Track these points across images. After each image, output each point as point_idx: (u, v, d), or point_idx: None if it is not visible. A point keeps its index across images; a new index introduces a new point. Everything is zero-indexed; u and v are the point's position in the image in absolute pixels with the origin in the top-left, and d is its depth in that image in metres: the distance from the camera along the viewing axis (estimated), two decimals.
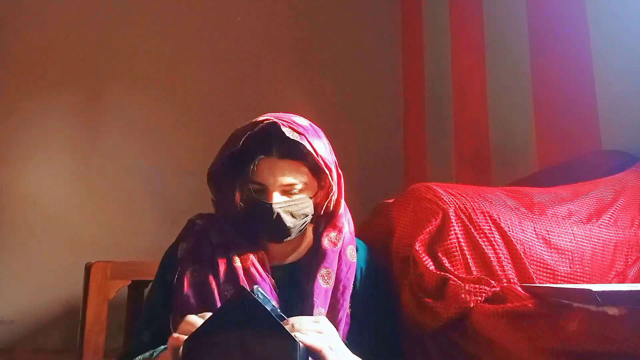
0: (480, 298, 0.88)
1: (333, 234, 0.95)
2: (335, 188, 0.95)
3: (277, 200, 0.90)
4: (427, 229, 0.99)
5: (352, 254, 0.96)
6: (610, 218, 1.10)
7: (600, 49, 1.58)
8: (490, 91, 2.16)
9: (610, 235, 1.07)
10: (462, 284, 0.89)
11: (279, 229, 0.91)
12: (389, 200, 1.19)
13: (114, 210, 2.46)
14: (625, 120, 1.48)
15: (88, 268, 1.74)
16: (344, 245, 0.96)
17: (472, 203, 1.03)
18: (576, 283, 0.98)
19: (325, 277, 0.92)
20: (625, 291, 0.75)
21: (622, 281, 1.03)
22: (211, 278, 0.90)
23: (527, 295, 0.85)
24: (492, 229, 1.00)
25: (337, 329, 0.86)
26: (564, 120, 1.72)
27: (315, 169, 0.93)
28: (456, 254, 0.97)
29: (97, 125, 2.55)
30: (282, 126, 0.88)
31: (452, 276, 0.92)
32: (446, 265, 0.95)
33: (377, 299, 0.97)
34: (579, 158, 1.55)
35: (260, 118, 0.91)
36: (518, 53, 1.95)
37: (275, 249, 0.97)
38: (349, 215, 1.00)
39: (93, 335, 1.67)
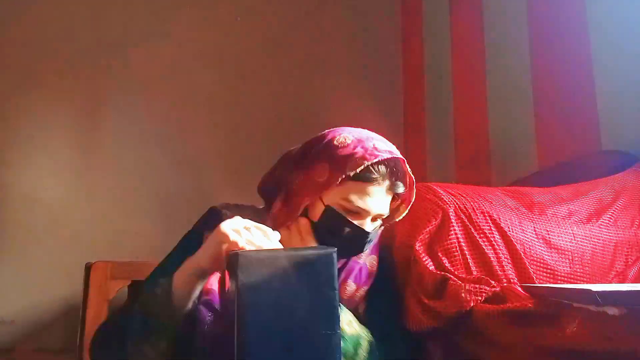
0: (480, 298, 0.88)
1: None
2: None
3: (370, 228, 0.92)
4: (427, 229, 0.99)
5: (373, 264, 1.00)
6: (610, 218, 1.10)
7: (600, 49, 1.58)
8: (490, 91, 2.16)
9: (610, 235, 1.07)
10: (462, 284, 0.89)
11: (357, 251, 0.94)
12: None
13: (114, 210, 2.46)
14: (625, 120, 1.48)
15: (88, 268, 1.74)
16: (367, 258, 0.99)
17: (472, 203, 1.03)
18: (576, 283, 0.99)
19: (348, 287, 0.95)
20: (625, 291, 0.75)
21: (622, 281, 1.03)
22: None
23: (527, 295, 0.85)
24: (492, 229, 1.00)
25: None
26: (564, 120, 1.72)
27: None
28: (456, 254, 0.97)
29: (97, 125, 2.54)
30: (407, 166, 0.94)
31: (452, 276, 0.92)
32: (446, 265, 0.95)
33: (384, 296, 0.99)
34: (579, 158, 1.55)
35: (383, 147, 0.94)
36: (518, 53, 1.95)
37: None
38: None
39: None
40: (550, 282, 0.97)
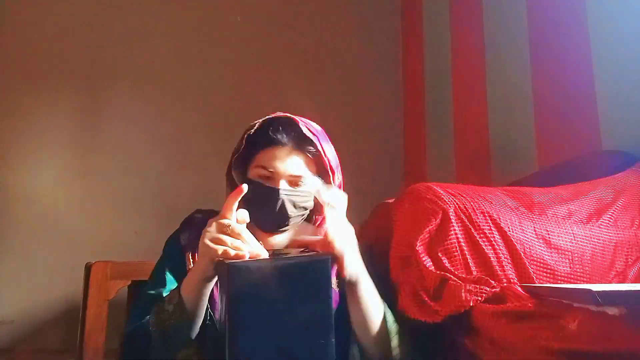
0: (480, 298, 0.88)
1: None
2: (337, 185, 1.00)
3: (284, 187, 0.95)
4: (427, 229, 0.99)
5: None
6: (610, 218, 1.10)
7: (600, 49, 1.58)
8: (490, 91, 2.16)
9: (610, 236, 1.07)
10: (462, 284, 0.89)
11: (280, 216, 0.95)
12: (389, 200, 1.19)
13: (114, 210, 2.46)
14: (625, 120, 1.48)
15: (88, 268, 1.74)
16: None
17: (472, 203, 1.03)
18: (576, 283, 0.98)
19: None
20: (625, 291, 0.75)
21: (622, 281, 1.03)
22: None
23: (527, 295, 0.85)
24: (492, 229, 1.00)
25: None
26: (564, 120, 1.72)
27: (321, 170, 0.99)
28: (456, 253, 0.97)
29: (97, 125, 2.55)
30: (300, 123, 0.96)
31: (451, 276, 0.92)
32: (446, 265, 0.95)
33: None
34: (579, 158, 1.55)
35: (279, 114, 0.98)
36: (518, 53, 1.95)
37: (271, 241, 1.00)
38: None
39: (93, 335, 1.67)
40: (550, 282, 0.97)
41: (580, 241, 1.03)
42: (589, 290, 0.71)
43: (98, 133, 2.54)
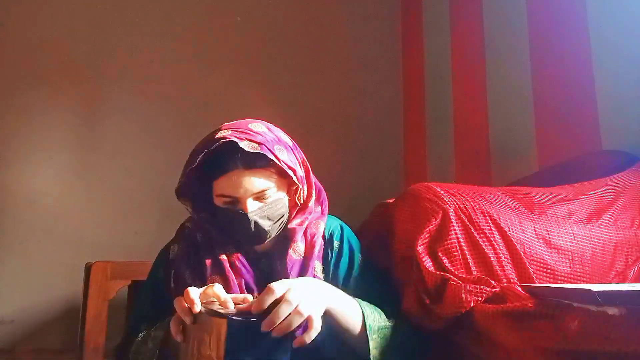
0: (480, 298, 0.88)
1: (299, 219, 1.01)
2: (303, 186, 0.98)
3: (252, 208, 0.93)
4: (427, 229, 0.99)
5: (316, 225, 1.01)
6: (610, 218, 1.10)
7: (601, 49, 1.58)
8: (490, 91, 2.16)
9: (610, 235, 1.07)
10: (462, 284, 0.89)
11: (258, 235, 0.95)
12: (389, 200, 1.19)
13: (114, 210, 2.46)
14: (625, 120, 1.48)
15: (88, 268, 1.74)
16: (310, 222, 1.02)
17: (472, 203, 1.03)
18: (576, 283, 0.98)
19: (295, 250, 0.98)
20: (625, 291, 0.75)
21: (622, 281, 1.03)
22: (200, 274, 0.96)
23: (527, 295, 0.85)
24: (492, 229, 1.00)
25: None
26: (564, 120, 1.72)
27: (282, 170, 0.96)
28: (456, 254, 0.97)
29: (97, 125, 2.55)
30: (239, 142, 0.89)
31: (452, 276, 0.92)
32: (446, 265, 0.95)
33: (353, 269, 1.01)
34: (579, 158, 1.55)
35: (218, 135, 0.93)
36: (518, 53, 1.96)
37: (258, 248, 1.02)
38: (323, 197, 1.06)
39: (93, 335, 1.67)
40: (550, 282, 0.97)
41: (580, 241, 1.03)
42: (589, 290, 0.71)
43: (98, 133, 2.54)
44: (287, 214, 1.00)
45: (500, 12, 2.13)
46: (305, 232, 1.00)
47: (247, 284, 0.95)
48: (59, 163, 2.47)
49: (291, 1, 2.87)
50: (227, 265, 0.96)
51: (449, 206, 1.01)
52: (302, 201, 1.00)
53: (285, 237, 1.00)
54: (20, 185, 2.41)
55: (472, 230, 0.99)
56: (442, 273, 0.93)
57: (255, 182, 0.93)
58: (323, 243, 1.01)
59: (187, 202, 1.02)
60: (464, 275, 0.94)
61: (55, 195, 2.43)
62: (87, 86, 2.55)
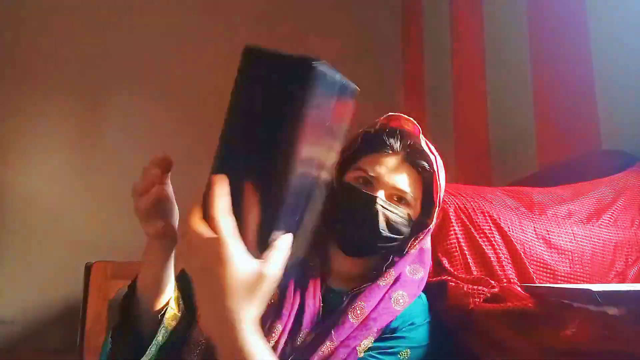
0: (478, 299, 0.88)
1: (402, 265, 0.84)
2: (432, 226, 0.85)
3: (382, 197, 0.80)
4: (427, 229, 0.99)
5: (399, 301, 0.81)
6: (610, 218, 1.10)
7: (600, 49, 1.58)
8: (490, 91, 2.16)
9: (610, 235, 1.07)
10: (461, 285, 0.89)
11: (369, 231, 0.79)
12: None
13: (114, 210, 2.45)
14: (625, 120, 1.48)
15: (88, 268, 1.74)
16: (395, 287, 0.82)
17: (472, 203, 1.03)
18: (576, 283, 0.99)
19: (357, 312, 0.79)
20: (625, 291, 0.75)
21: (622, 281, 1.03)
22: None
23: (527, 295, 0.85)
24: (492, 229, 1.00)
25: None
26: (564, 120, 1.72)
27: (425, 195, 0.84)
28: (456, 254, 0.97)
29: (97, 125, 2.54)
30: (422, 137, 0.82)
31: (451, 277, 0.92)
32: (446, 265, 0.95)
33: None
34: (579, 158, 1.55)
35: (398, 115, 0.87)
36: (518, 53, 1.95)
37: (340, 268, 0.85)
38: (427, 259, 0.89)
39: (93, 335, 1.67)
40: (550, 282, 0.97)
41: (581, 241, 1.03)
42: (589, 290, 0.71)
43: (98, 133, 2.54)
44: (403, 242, 0.83)
45: (501, 13, 2.13)
46: (381, 301, 0.80)
47: (301, 317, 0.78)
48: (59, 163, 2.47)
49: (290, 2, 2.87)
50: (290, 289, 0.79)
51: (449, 206, 1.01)
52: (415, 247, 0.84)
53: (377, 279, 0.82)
54: (20, 185, 2.40)
55: (472, 230, 0.99)
56: (440, 278, 0.93)
57: (405, 178, 0.81)
58: (393, 315, 0.80)
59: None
60: (463, 276, 0.94)
61: (55, 195, 2.43)
62: (87, 86, 2.55)
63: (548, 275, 0.98)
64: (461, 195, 1.05)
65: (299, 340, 0.77)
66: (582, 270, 1.01)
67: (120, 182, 2.47)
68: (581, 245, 1.03)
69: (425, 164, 0.83)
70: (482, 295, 0.88)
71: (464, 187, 1.11)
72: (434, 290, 0.92)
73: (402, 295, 0.82)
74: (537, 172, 1.75)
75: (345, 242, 0.83)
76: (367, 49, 2.91)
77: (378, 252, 0.83)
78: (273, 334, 0.75)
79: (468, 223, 0.99)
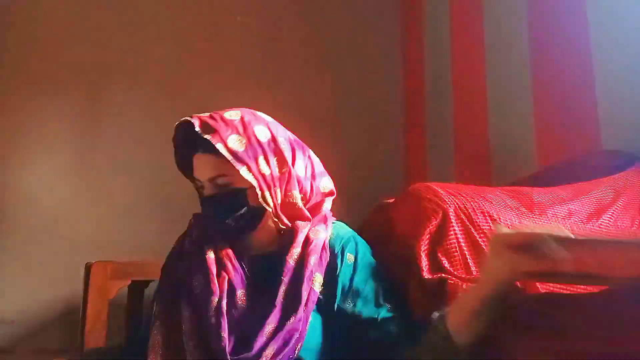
0: None
1: (303, 222, 0.96)
2: (258, 183, 0.92)
3: (208, 192, 0.94)
4: (427, 229, 0.99)
5: (315, 232, 0.95)
6: (611, 218, 1.10)
7: (601, 49, 1.58)
8: (490, 91, 2.16)
9: (610, 235, 1.07)
10: (460, 283, 0.90)
11: (217, 223, 0.94)
12: (388, 200, 1.19)
13: (114, 210, 2.46)
14: (626, 120, 1.48)
15: (88, 268, 1.74)
16: (311, 228, 0.96)
17: (472, 203, 1.03)
18: None
19: (292, 255, 0.92)
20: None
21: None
22: (186, 271, 0.94)
23: (527, 295, 0.85)
24: (492, 229, 1.00)
25: (298, 302, 0.86)
26: (564, 120, 1.72)
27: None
28: (455, 254, 0.97)
29: (97, 125, 2.54)
30: (195, 124, 0.94)
31: (450, 276, 0.92)
32: (445, 265, 0.95)
33: (367, 285, 0.95)
34: (579, 158, 1.55)
35: (188, 118, 0.98)
36: (518, 53, 1.95)
37: (251, 240, 0.99)
38: (326, 206, 1.02)
39: (93, 335, 1.67)
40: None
41: None
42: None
43: (98, 133, 2.54)
44: (259, 211, 0.94)
45: (501, 12, 2.13)
46: (306, 238, 0.94)
47: (230, 282, 0.90)
48: (59, 163, 2.47)
49: (291, 1, 2.87)
50: (212, 264, 0.92)
51: (449, 206, 1.01)
52: (269, 205, 0.93)
53: (287, 240, 0.95)
54: (20, 185, 2.41)
55: (472, 230, 0.99)
56: (439, 275, 0.93)
57: (208, 167, 0.94)
58: (327, 254, 0.94)
59: (192, 182, 1.03)
60: (463, 276, 0.94)
61: (55, 195, 2.43)
62: (87, 86, 2.55)
63: None
64: (461, 195, 1.05)
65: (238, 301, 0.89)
66: None
67: (121, 182, 2.48)
68: None
69: (209, 142, 0.91)
70: None
71: (464, 187, 1.11)
72: (434, 288, 0.92)
73: (314, 230, 0.95)
74: (537, 172, 1.75)
75: (225, 235, 0.96)
76: (367, 49, 2.91)
77: (246, 224, 0.95)
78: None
79: (468, 223, 0.99)
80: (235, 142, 0.92)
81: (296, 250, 0.92)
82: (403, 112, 2.91)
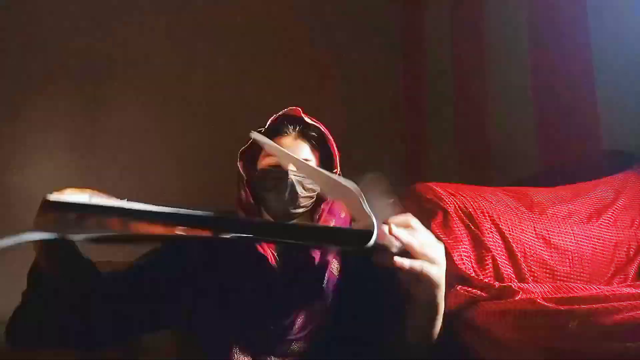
0: (461, 302, 0.88)
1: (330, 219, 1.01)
2: (337, 171, 1.03)
3: (292, 169, 0.97)
4: (428, 229, 0.99)
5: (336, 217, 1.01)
6: (610, 218, 1.10)
7: (601, 49, 1.58)
8: (490, 91, 2.16)
9: (610, 235, 1.07)
10: (456, 285, 0.90)
11: (291, 198, 0.96)
12: (389, 201, 1.19)
13: None
14: (626, 120, 1.48)
15: None
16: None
17: (472, 203, 1.03)
18: (576, 282, 0.99)
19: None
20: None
21: (624, 280, 1.03)
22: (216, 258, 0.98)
23: (527, 295, 0.85)
24: (492, 228, 1.00)
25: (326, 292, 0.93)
26: (564, 120, 1.72)
27: (325, 160, 1.03)
28: (455, 253, 0.97)
29: (97, 125, 2.54)
30: (302, 112, 1.02)
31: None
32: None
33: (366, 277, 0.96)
34: (579, 158, 1.55)
35: (284, 110, 1.05)
36: (518, 53, 1.95)
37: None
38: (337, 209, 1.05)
39: None
40: (550, 282, 0.97)
41: (581, 241, 1.03)
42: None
43: (98, 133, 2.54)
44: (315, 198, 1.00)
45: (501, 12, 2.13)
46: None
47: (269, 264, 0.95)
48: (59, 163, 2.47)
49: (290, 2, 2.87)
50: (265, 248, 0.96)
51: (449, 206, 1.01)
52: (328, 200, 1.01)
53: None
54: (20, 185, 2.41)
55: (473, 229, 0.99)
56: None
57: (303, 149, 1.01)
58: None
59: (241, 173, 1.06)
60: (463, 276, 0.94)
61: None
62: (87, 86, 2.55)
63: (548, 274, 0.98)
64: (461, 195, 1.05)
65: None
66: (581, 269, 1.01)
67: (120, 182, 2.48)
68: (581, 245, 1.03)
69: (314, 134, 1.02)
70: (473, 296, 0.88)
71: (464, 187, 1.11)
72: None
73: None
74: (537, 172, 1.76)
75: (275, 211, 1.00)
76: (367, 49, 2.92)
77: (303, 208, 0.99)
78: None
79: (469, 222, 0.99)
80: (331, 138, 1.03)
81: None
82: (403, 112, 2.91)
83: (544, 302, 0.80)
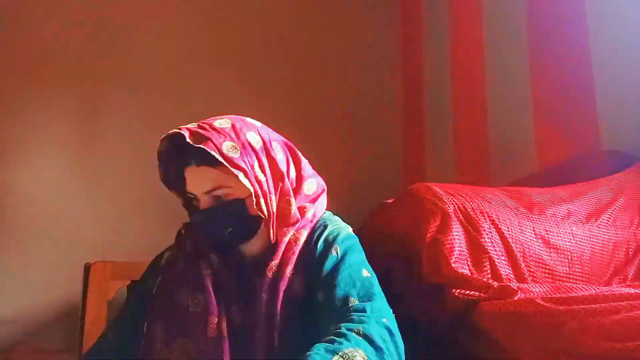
0: (460, 305, 0.88)
1: (290, 228, 0.92)
2: (254, 190, 0.88)
3: (205, 206, 0.89)
4: (428, 229, 0.99)
5: (297, 239, 0.92)
6: (610, 218, 1.10)
7: (600, 49, 1.58)
8: (490, 91, 2.16)
9: (609, 235, 1.07)
10: (454, 289, 0.90)
11: (216, 235, 0.90)
12: (388, 201, 1.19)
13: (114, 210, 2.46)
14: (625, 120, 1.48)
15: (88, 268, 1.73)
16: (293, 235, 0.93)
17: (471, 203, 1.03)
18: (575, 283, 0.99)
19: (275, 259, 0.89)
20: None
21: (623, 280, 1.03)
22: (183, 289, 0.90)
23: (526, 295, 0.85)
24: (491, 229, 1.00)
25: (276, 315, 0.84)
26: (563, 121, 1.72)
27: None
28: (455, 254, 0.97)
29: (97, 125, 2.54)
30: (186, 135, 0.86)
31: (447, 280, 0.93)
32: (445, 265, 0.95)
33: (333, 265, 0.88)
34: (579, 158, 1.55)
35: (176, 129, 0.89)
36: (518, 53, 1.96)
37: (245, 249, 0.94)
38: (315, 209, 0.96)
39: (93, 335, 1.67)
40: (549, 282, 0.97)
41: (580, 241, 1.04)
42: None
43: (98, 133, 2.54)
44: (256, 220, 0.90)
45: (500, 12, 2.13)
46: (287, 246, 0.90)
47: (227, 301, 0.88)
48: (59, 163, 2.47)
49: (289, 1, 2.87)
50: (208, 283, 0.88)
51: (449, 206, 1.01)
52: (264, 213, 0.89)
53: (274, 245, 0.91)
54: (20, 185, 2.40)
55: (471, 230, 0.99)
56: (439, 277, 0.93)
57: (204, 180, 0.89)
58: (310, 252, 0.90)
59: (178, 196, 1.00)
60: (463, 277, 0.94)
61: (55, 195, 2.43)
62: (86, 86, 2.55)
63: (547, 275, 0.98)
64: (461, 196, 1.05)
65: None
66: (580, 270, 1.01)
67: (120, 182, 2.48)
68: (580, 245, 1.03)
69: (211, 159, 0.86)
70: (473, 297, 0.88)
71: (463, 187, 1.11)
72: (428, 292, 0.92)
73: (295, 236, 0.92)
74: (537, 172, 1.76)
75: (222, 247, 0.92)
76: (366, 47, 2.92)
77: (247, 235, 0.91)
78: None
79: (467, 223, 0.99)
80: (229, 148, 0.88)
81: (274, 263, 0.89)
82: (402, 112, 2.91)
83: (543, 302, 0.80)
